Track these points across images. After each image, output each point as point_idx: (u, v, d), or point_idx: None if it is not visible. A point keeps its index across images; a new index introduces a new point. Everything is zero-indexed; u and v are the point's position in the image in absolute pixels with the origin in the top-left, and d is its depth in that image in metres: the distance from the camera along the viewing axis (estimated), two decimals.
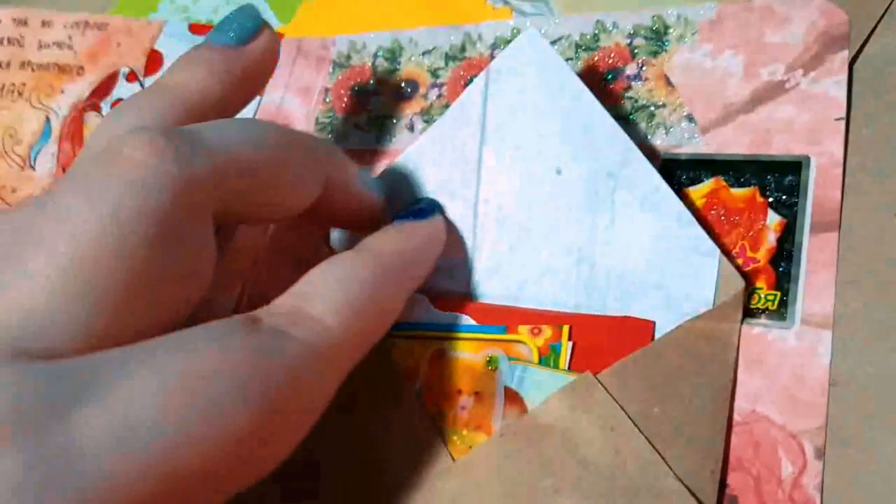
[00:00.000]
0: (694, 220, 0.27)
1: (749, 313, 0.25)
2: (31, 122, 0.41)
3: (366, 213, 0.29)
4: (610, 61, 0.31)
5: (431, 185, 0.30)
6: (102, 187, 0.20)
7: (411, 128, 0.34)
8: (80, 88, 0.41)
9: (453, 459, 0.25)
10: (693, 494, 0.22)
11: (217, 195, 0.22)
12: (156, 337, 0.20)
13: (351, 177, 0.28)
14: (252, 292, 0.32)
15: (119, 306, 0.20)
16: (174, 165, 0.21)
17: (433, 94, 0.34)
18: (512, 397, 0.26)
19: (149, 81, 0.39)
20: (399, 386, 0.27)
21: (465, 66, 0.34)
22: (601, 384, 0.24)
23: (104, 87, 0.40)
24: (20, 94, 0.41)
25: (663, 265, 0.27)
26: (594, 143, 0.28)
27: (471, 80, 0.33)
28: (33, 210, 0.20)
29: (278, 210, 0.26)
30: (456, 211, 0.30)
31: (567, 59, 0.32)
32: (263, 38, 0.28)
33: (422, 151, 0.31)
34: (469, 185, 0.30)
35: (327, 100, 0.36)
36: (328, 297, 0.23)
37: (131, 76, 0.40)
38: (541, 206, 0.29)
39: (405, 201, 0.30)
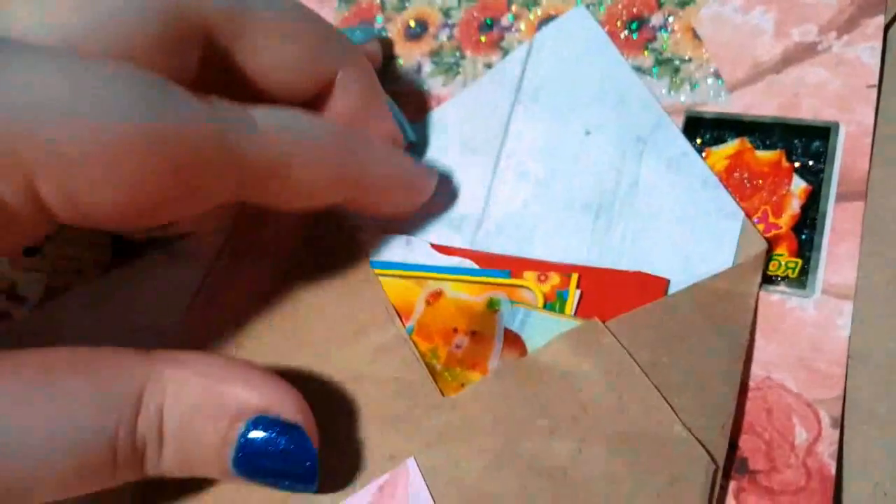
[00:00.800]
0: (719, 182, 0.26)
1: (768, 280, 0.24)
2: None
3: (379, 132, 0.28)
4: (635, 10, 0.30)
5: (457, 139, 0.30)
6: None
7: (418, 70, 0.32)
8: None
9: (443, 395, 0.23)
10: (700, 444, 0.21)
11: (210, 21, 0.23)
12: None
13: (368, 84, 0.27)
14: (243, 230, 0.30)
15: (75, 37, 0.20)
16: None
17: (443, 34, 0.32)
18: (512, 340, 0.25)
19: None
20: (387, 319, 0.26)
21: (479, 6, 0.32)
22: (609, 330, 0.23)
23: None
24: None
25: (684, 226, 0.25)
26: (627, 110, 0.28)
27: (485, 23, 0.32)
28: None
29: (274, 78, 0.25)
30: (476, 165, 0.29)
31: (589, 6, 0.30)
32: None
33: (453, 108, 0.31)
34: (494, 141, 0.29)
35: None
36: (277, 117, 0.22)
37: None
38: (564, 163, 0.28)
39: (430, 154, 0.30)
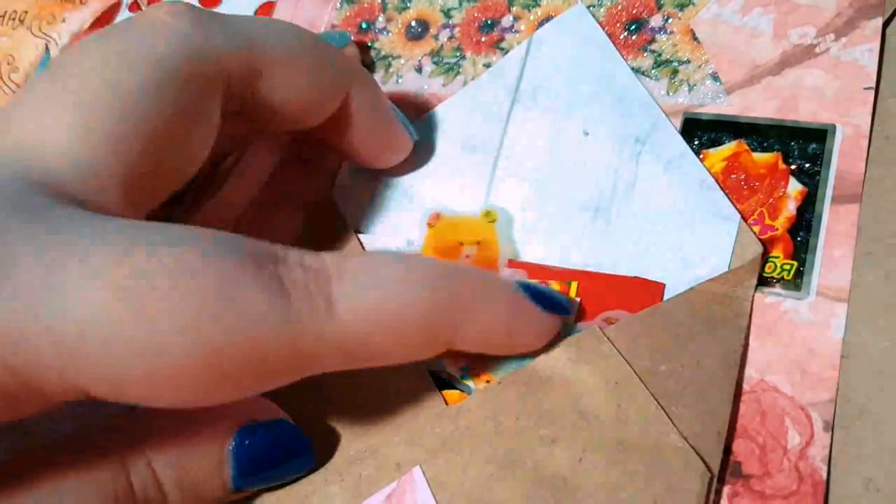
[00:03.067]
0: (716, 184, 0.26)
1: (763, 281, 0.25)
2: (31, 50, 0.39)
3: (389, 144, 0.28)
4: (634, 11, 0.30)
5: (456, 139, 0.30)
6: (120, 34, 0.22)
7: (419, 69, 0.32)
8: (81, 17, 0.39)
9: (446, 403, 0.24)
10: (696, 453, 0.22)
11: (228, 71, 0.23)
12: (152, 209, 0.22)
13: (375, 101, 0.27)
14: (245, 230, 0.30)
15: (110, 142, 0.20)
16: (190, 27, 0.22)
17: (444, 35, 0.33)
18: (513, 262, 0.27)
19: None
20: None
21: (480, 7, 0.32)
22: (607, 338, 0.24)
23: (106, 17, 0.39)
24: (21, 21, 0.40)
25: (680, 227, 0.26)
26: (626, 111, 0.28)
27: (486, 23, 0.32)
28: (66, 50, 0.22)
29: (291, 111, 0.25)
30: (475, 165, 0.29)
31: (590, 7, 0.30)
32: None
33: (452, 107, 0.31)
34: (493, 140, 0.30)
35: (336, 28, 0.34)
36: (364, 287, 0.20)
37: (133, 6, 0.38)
38: (563, 163, 0.28)
39: (429, 153, 0.30)
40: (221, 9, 0.37)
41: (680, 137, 0.27)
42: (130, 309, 0.17)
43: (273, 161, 0.31)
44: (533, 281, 0.25)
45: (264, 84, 0.24)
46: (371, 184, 0.30)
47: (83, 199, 0.19)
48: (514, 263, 0.27)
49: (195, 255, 0.18)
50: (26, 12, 0.40)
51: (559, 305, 0.24)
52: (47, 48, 0.39)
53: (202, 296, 0.18)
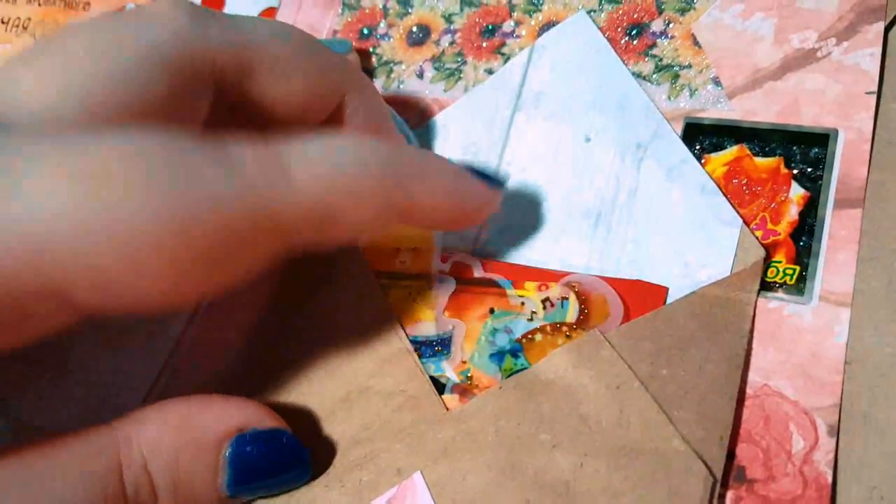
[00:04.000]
0: (718, 189, 0.26)
1: (766, 286, 0.25)
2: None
3: None
4: (635, 16, 0.30)
5: (458, 146, 0.30)
6: (119, 18, 0.22)
7: (421, 75, 0.32)
8: None
9: (447, 409, 0.24)
10: (699, 457, 0.21)
11: (219, 66, 0.23)
12: None
13: (372, 107, 0.27)
14: None
15: (88, 105, 0.20)
16: (187, 20, 0.22)
17: (445, 40, 0.33)
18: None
19: None
20: (392, 330, 0.26)
21: (481, 12, 0.32)
22: (609, 342, 0.24)
23: None
24: (25, 28, 0.40)
25: (683, 233, 0.26)
26: (627, 117, 0.28)
27: (487, 28, 0.32)
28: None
29: (285, 111, 0.25)
30: None
31: (590, 12, 0.30)
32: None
33: (453, 114, 0.31)
34: (494, 147, 0.30)
35: (337, 36, 0.34)
36: (317, 157, 0.21)
37: None
38: (565, 170, 0.28)
39: None
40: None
41: (681, 143, 0.27)
42: (90, 195, 0.18)
43: None
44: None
45: (256, 82, 0.24)
46: None
47: None
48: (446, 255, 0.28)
49: (143, 141, 0.19)
50: (29, 19, 0.40)
51: (495, 178, 0.26)
52: None
53: (157, 174, 0.18)
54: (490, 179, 0.25)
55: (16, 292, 0.18)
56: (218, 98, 0.23)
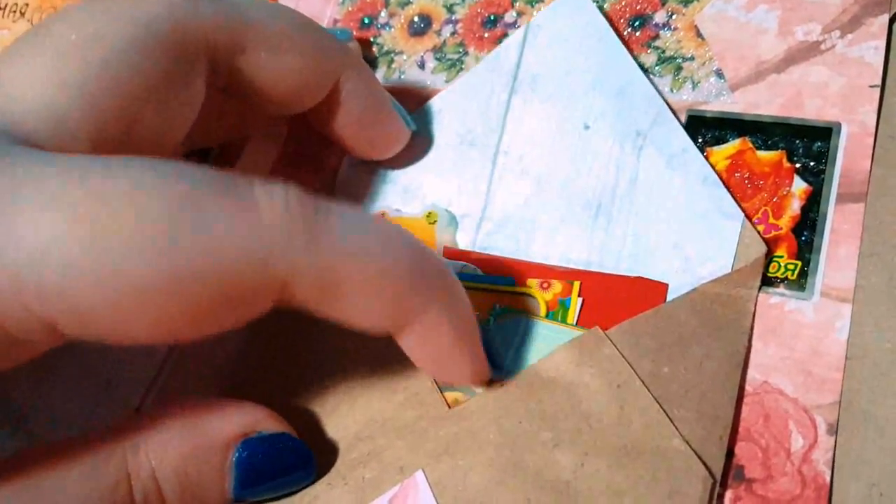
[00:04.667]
0: (720, 181, 0.26)
1: (767, 282, 0.25)
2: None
3: (384, 134, 0.28)
4: (638, 7, 0.30)
5: (454, 132, 0.30)
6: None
7: (422, 65, 0.32)
8: None
9: (449, 406, 0.24)
10: (699, 457, 0.22)
11: (213, 43, 0.22)
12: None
13: (369, 89, 0.27)
14: None
15: (84, 93, 0.20)
16: None
17: (447, 30, 0.32)
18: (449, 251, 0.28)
19: None
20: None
21: (483, 2, 0.32)
22: (610, 340, 0.24)
23: None
24: (22, 13, 0.40)
25: (683, 225, 0.26)
26: (627, 103, 0.28)
27: (489, 19, 0.32)
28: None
29: (279, 91, 0.25)
30: (474, 161, 0.29)
31: (593, 1, 0.30)
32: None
33: (449, 98, 0.31)
34: (491, 135, 0.29)
35: (338, 25, 0.34)
36: (351, 226, 0.19)
37: None
38: (564, 158, 0.28)
39: (427, 146, 0.30)
40: None
41: (682, 131, 0.27)
42: (87, 233, 0.17)
43: (271, 159, 0.31)
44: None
45: (250, 60, 0.24)
46: (371, 178, 0.30)
47: (51, 148, 0.19)
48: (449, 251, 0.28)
49: (154, 176, 0.17)
50: (27, 5, 0.40)
51: (495, 359, 0.25)
52: None
53: (162, 216, 0.17)
54: (494, 361, 0.24)
55: (1, 320, 0.17)
56: (212, 78, 0.23)
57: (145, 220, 0.17)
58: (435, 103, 0.31)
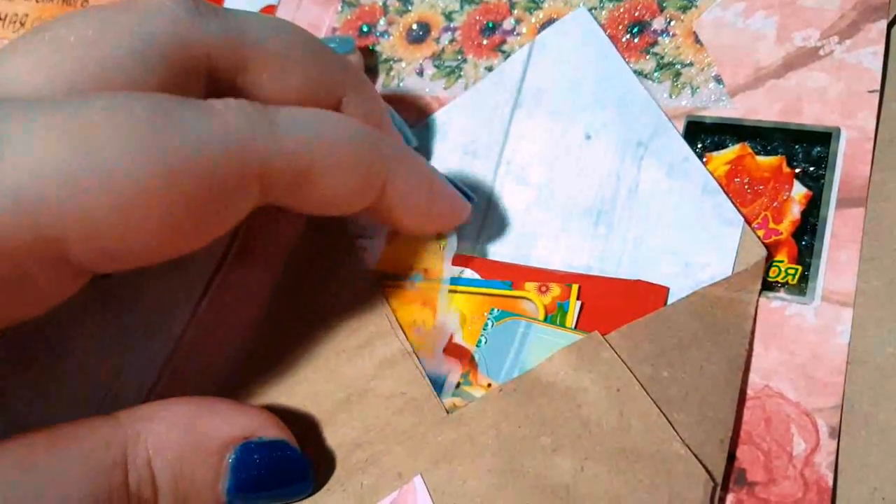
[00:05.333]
0: (720, 188, 0.26)
1: (768, 286, 0.25)
2: None
3: None
4: (636, 13, 0.30)
5: (458, 144, 0.30)
6: (114, 7, 0.22)
7: (421, 73, 0.32)
8: None
9: (447, 412, 0.24)
10: (699, 461, 0.21)
11: (214, 61, 0.23)
12: None
13: (371, 108, 0.27)
14: (244, 233, 0.30)
15: (78, 90, 0.20)
16: (184, 12, 0.22)
17: (446, 38, 0.32)
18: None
19: None
20: (391, 331, 0.26)
21: (481, 10, 0.32)
22: (609, 344, 0.24)
23: None
24: (22, 24, 0.40)
25: (684, 232, 0.26)
26: (628, 114, 0.28)
27: (487, 26, 0.32)
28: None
29: None
30: (476, 170, 0.29)
31: (591, 9, 0.30)
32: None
33: (453, 112, 0.31)
34: (494, 145, 0.29)
35: (338, 34, 0.34)
36: (300, 119, 0.22)
37: None
38: (565, 168, 0.28)
39: (429, 158, 0.30)
40: None
41: (683, 141, 0.27)
42: (79, 145, 0.18)
43: None
44: None
45: (251, 79, 0.24)
46: None
47: None
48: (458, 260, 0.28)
49: (126, 97, 0.19)
50: (27, 15, 0.40)
51: (465, 191, 0.27)
52: None
53: (142, 124, 0.19)
54: (462, 191, 0.27)
55: (11, 251, 0.18)
56: (210, 94, 0.23)
57: (131, 128, 0.19)
58: (439, 116, 0.31)
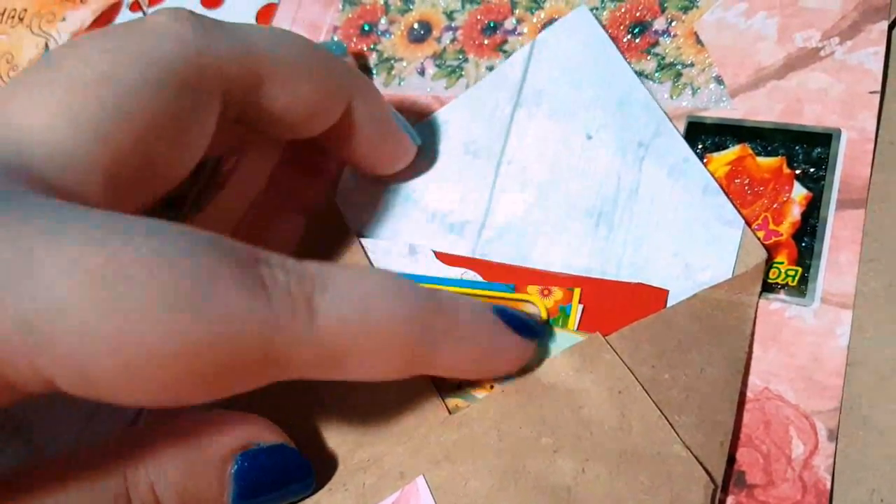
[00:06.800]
0: (720, 189, 0.26)
1: (768, 288, 0.25)
2: (30, 48, 0.39)
3: (392, 152, 0.28)
4: (638, 14, 0.30)
5: (458, 143, 0.30)
6: (120, 32, 0.22)
7: (422, 72, 0.32)
8: (81, 16, 0.39)
9: (449, 412, 0.24)
10: (700, 463, 0.21)
11: (228, 78, 0.23)
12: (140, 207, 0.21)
13: (377, 111, 0.27)
14: (245, 234, 0.30)
15: (96, 134, 0.20)
16: (192, 33, 0.22)
17: (447, 37, 0.32)
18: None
19: (151, 12, 0.38)
20: None
21: (482, 10, 0.32)
22: (610, 346, 0.24)
23: (106, 16, 0.39)
24: (20, 19, 0.40)
25: (684, 233, 0.26)
26: (629, 114, 0.28)
27: (489, 25, 0.32)
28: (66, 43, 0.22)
29: (293, 119, 0.25)
30: (477, 169, 0.29)
31: (593, 10, 0.30)
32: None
33: (455, 111, 0.31)
34: (495, 145, 0.29)
35: (334, 38, 0.34)
36: (347, 298, 0.20)
37: (134, 6, 0.38)
38: (566, 168, 0.28)
39: (431, 158, 0.30)
40: (223, 9, 0.37)
41: (683, 142, 0.27)
42: (103, 298, 0.17)
43: (270, 165, 0.31)
44: (506, 306, 0.24)
45: (265, 94, 0.24)
46: (373, 188, 0.30)
47: (63, 189, 0.19)
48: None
49: (174, 247, 0.18)
50: (26, 10, 0.40)
51: (532, 329, 0.24)
52: (47, 46, 0.39)
53: (179, 288, 0.17)
54: (526, 329, 0.24)
55: (2, 368, 0.17)
56: (225, 112, 0.23)
57: (165, 291, 0.17)
58: (440, 115, 0.31)
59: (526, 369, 0.24)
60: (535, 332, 0.24)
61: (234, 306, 0.18)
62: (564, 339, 0.25)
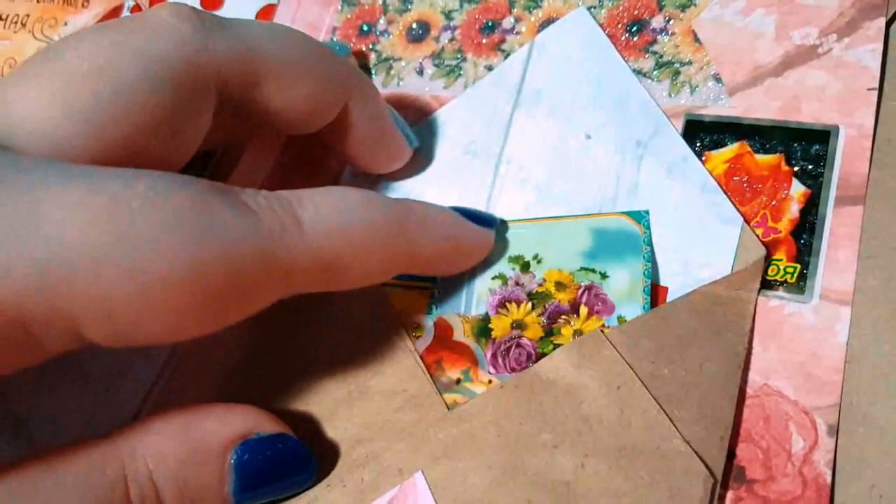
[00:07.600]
0: (718, 187, 0.26)
1: (767, 285, 0.25)
2: (33, 53, 0.39)
3: (387, 153, 0.28)
4: (636, 12, 0.30)
5: (458, 143, 0.30)
6: (121, 27, 0.22)
7: (420, 72, 0.32)
8: (83, 21, 0.39)
9: (448, 408, 0.24)
10: (699, 457, 0.21)
11: (225, 76, 0.23)
12: None
13: (375, 111, 0.27)
14: None
15: (89, 124, 0.20)
16: (191, 29, 0.22)
17: (445, 37, 0.32)
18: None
19: None
20: (392, 329, 0.26)
21: (481, 9, 0.32)
22: (609, 342, 0.24)
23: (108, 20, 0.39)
24: (23, 25, 0.40)
25: (683, 232, 0.26)
26: (627, 114, 0.28)
27: (487, 25, 0.32)
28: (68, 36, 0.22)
29: (289, 117, 0.25)
30: (476, 170, 0.29)
31: (590, 8, 0.30)
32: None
33: (453, 111, 0.31)
34: (494, 145, 0.29)
35: (334, 39, 0.34)
36: (325, 212, 0.21)
37: (135, 9, 0.38)
38: (565, 168, 0.28)
39: (430, 158, 0.30)
40: (223, 10, 0.37)
41: (682, 140, 0.27)
42: (112, 232, 0.18)
43: (271, 159, 0.31)
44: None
45: (262, 91, 0.24)
46: (372, 187, 0.30)
47: None
48: None
49: (166, 182, 0.19)
50: (28, 16, 0.40)
51: (487, 220, 0.27)
52: None
53: (178, 215, 0.19)
54: (482, 220, 0.27)
55: (25, 318, 0.18)
56: (222, 108, 0.23)
57: (167, 219, 0.18)
58: (440, 115, 0.31)
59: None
60: (490, 221, 0.27)
61: (232, 226, 0.19)
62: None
